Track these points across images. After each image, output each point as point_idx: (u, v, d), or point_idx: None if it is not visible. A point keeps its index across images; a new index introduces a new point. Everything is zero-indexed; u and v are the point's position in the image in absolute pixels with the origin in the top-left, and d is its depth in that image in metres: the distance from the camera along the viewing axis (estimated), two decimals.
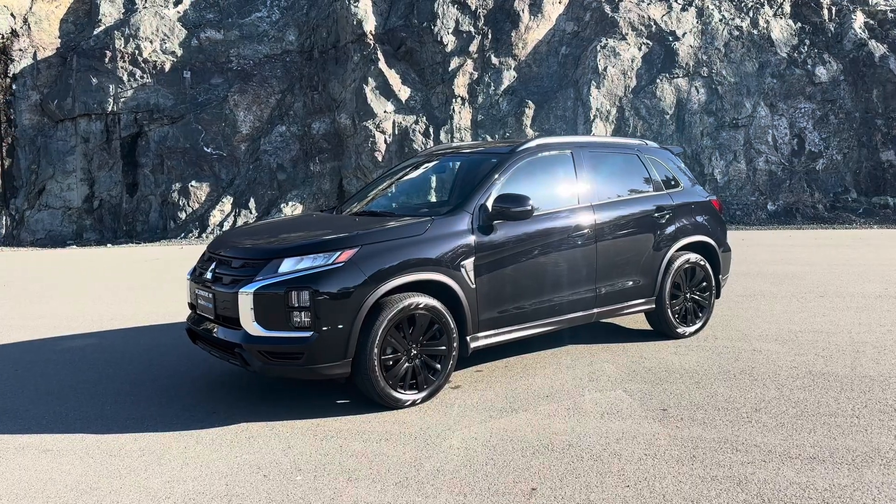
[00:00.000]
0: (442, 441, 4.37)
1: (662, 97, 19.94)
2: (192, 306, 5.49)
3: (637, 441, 4.28)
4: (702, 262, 6.70)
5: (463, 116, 19.42)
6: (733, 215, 19.08)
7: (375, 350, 4.76)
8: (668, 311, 6.49)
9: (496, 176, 5.52)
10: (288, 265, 4.72)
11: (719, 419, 4.60)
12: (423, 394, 5.02)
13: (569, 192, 5.95)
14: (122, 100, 20.44)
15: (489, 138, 19.19)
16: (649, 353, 6.20)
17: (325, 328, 4.62)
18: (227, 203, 19.51)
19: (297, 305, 4.62)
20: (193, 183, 19.82)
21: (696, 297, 6.73)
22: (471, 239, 5.21)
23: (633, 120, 19.92)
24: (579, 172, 6.01)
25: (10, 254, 18.40)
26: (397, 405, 4.91)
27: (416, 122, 19.30)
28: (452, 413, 4.84)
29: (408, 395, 4.95)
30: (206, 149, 20.13)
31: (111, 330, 7.93)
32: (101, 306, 9.53)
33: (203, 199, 19.55)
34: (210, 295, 5.08)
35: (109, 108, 20.45)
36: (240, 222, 19.22)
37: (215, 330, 5.04)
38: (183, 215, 19.57)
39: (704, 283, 6.77)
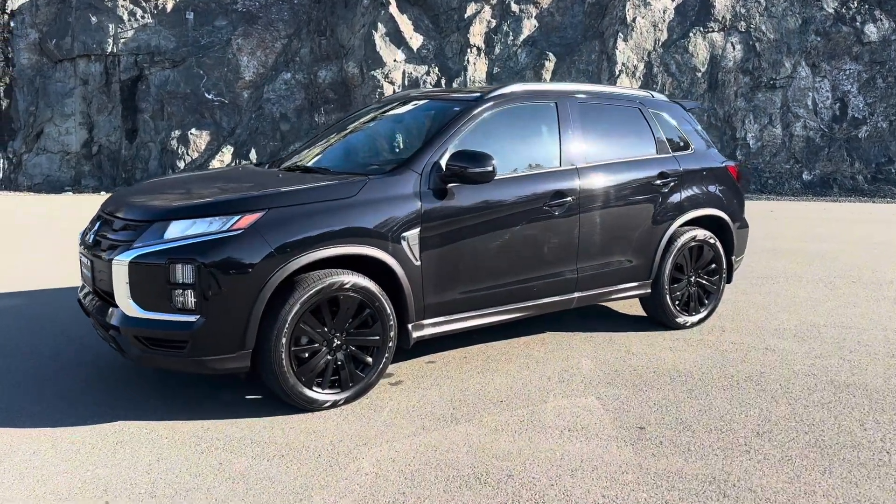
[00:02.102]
0: (350, 461, 3.43)
1: (695, 53, 18.48)
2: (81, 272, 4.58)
3: (597, 474, 3.31)
4: (711, 241, 5.63)
5: (478, 68, 18.17)
6: (765, 184, 17.74)
7: (283, 340, 3.81)
8: (667, 297, 5.44)
9: (456, 128, 4.48)
10: (176, 230, 3.76)
11: (709, 446, 3.61)
12: (348, 393, 4.08)
13: (549, 152, 4.89)
14: (122, 41, 19.50)
15: None
16: (639, 347, 5.18)
17: (214, 312, 3.68)
18: (227, 153, 18.61)
19: (179, 281, 3.67)
20: (193, 130, 18.94)
21: (703, 282, 5.67)
22: (416, 205, 4.21)
23: (662, 77, 18.51)
24: (564, 128, 4.94)
25: (2, 198, 17.76)
26: (312, 406, 3.98)
27: (428, 73, 18.10)
28: (378, 420, 3.90)
29: (326, 395, 4.02)
30: (207, 95, 19.18)
31: (39, 290, 7.09)
32: (65, 264, 8.71)
33: (203, 147, 18.68)
34: (89, 262, 4.16)
35: (109, 50, 19.54)
36: None
37: (94, 304, 4.13)
38: (182, 164, 18.74)
39: (713, 266, 5.70)
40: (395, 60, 18.29)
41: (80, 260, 4.37)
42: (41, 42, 20.10)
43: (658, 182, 5.29)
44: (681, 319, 5.55)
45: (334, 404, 4.04)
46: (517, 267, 4.66)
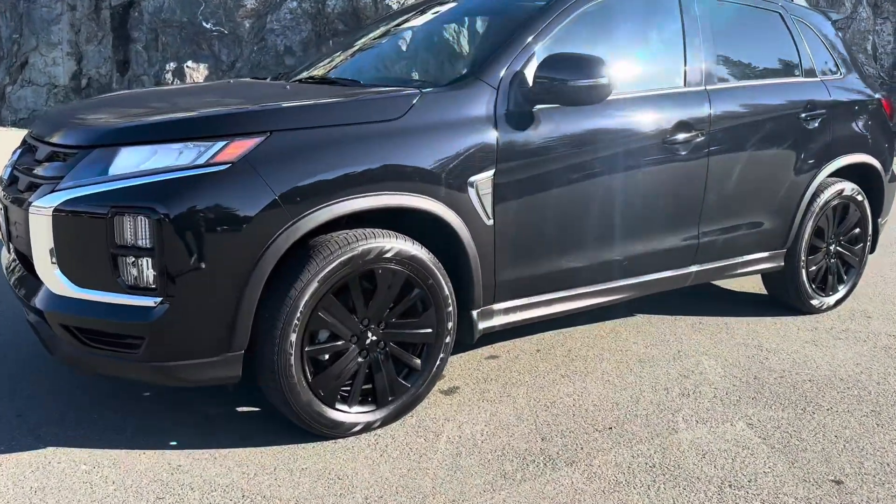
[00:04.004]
0: None
1: None
2: None
3: None
4: (858, 198, 4.22)
5: None
6: None
7: (293, 336, 2.47)
8: (803, 271, 4.07)
9: (544, 25, 3.04)
10: (125, 162, 2.38)
11: None
12: (386, 411, 2.75)
13: (669, 66, 3.46)
14: None
15: None
16: (769, 339, 3.83)
17: (184, 293, 2.32)
18: None
19: (129, 244, 2.30)
20: (190, 63, 17.31)
21: (843, 251, 4.29)
22: (491, 135, 2.81)
23: None
24: (690, 33, 3.49)
25: None
26: (335, 432, 2.66)
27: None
28: (434, 459, 2.58)
29: (356, 415, 2.69)
30: (205, 24, 17.49)
31: None
32: None
33: (200, 82, 17.07)
34: (2, 209, 2.78)
35: None
36: None
37: (17, 273, 2.77)
38: None
39: (858, 230, 4.31)
40: None
41: None
42: None
43: (804, 115, 3.86)
44: (816, 301, 4.18)
45: (367, 427, 2.72)
46: (623, 229, 3.28)
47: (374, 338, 2.68)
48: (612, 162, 3.12)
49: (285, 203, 2.39)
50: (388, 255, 2.60)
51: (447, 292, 2.78)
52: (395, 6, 16.29)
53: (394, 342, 2.74)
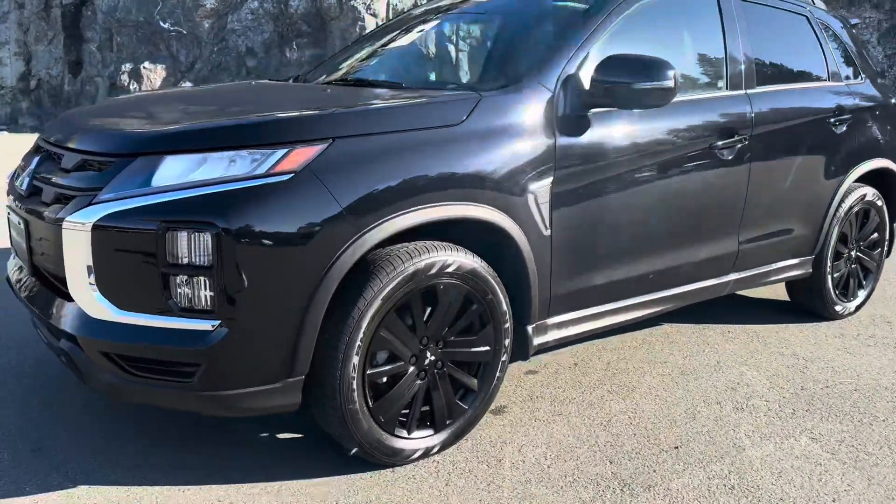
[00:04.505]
0: None
1: None
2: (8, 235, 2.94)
3: None
4: (878, 203, 4.22)
5: None
6: None
7: (356, 359, 2.28)
8: (829, 277, 4.03)
9: (595, 25, 2.91)
10: (172, 171, 2.16)
11: None
12: (444, 434, 2.58)
13: (711, 69, 3.38)
14: None
15: None
16: (802, 348, 3.77)
17: (246, 315, 2.11)
18: None
19: (184, 262, 2.09)
20: (147, 64, 16.77)
21: (863, 257, 4.27)
22: (549, 140, 2.67)
23: None
24: (730, 35, 3.41)
25: None
26: (394, 460, 2.48)
27: (416, 5, 16.21)
28: (504, 487, 2.42)
29: (415, 441, 2.52)
30: (162, 24, 16.97)
31: None
32: None
33: (158, 84, 16.55)
34: (21, 223, 2.52)
35: None
36: None
37: (32, 289, 2.52)
38: None
39: (876, 234, 4.30)
40: None
41: (9, 218, 2.71)
42: None
43: (832, 120, 3.82)
44: (839, 307, 4.15)
45: (426, 453, 2.54)
46: (673, 237, 3.18)
47: (433, 357, 2.51)
48: (664, 168, 3.01)
49: (351, 215, 2.20)
50: (450, 269, 2.43)
51: (505, 307, 2.63)
52: (360, 7, 16.08)
53: (451, 361, 2.57)
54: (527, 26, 3.27)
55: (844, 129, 3.86)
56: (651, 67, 2.65)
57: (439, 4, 3.75)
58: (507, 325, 2.65)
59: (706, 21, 3.37)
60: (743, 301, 4.52)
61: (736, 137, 3.27)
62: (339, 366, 2.26)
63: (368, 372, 2.35)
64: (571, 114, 2.73)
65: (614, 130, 2.85)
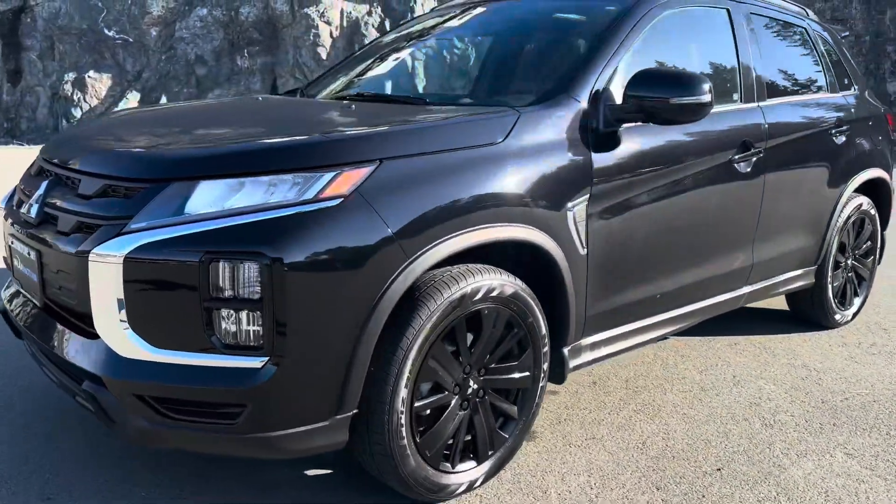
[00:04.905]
0: None
1: None
2: (7, 264, 2.72)
3: None
4: (872, 212, 4.29)
5: (426, 9, 16.27)
6: None
7: (404, 392, 2.15)
8: (830, 286, 4.07)
9: (622, 38, 2.85)
10: (208, 197, 2.00)
11: None
12: (487, 465, 2.48)
13: (726, 81, 3.36)
14: None
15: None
16: (810, 358, 3.78)
17: (297, 350, 1.97)
18: (132, 100, 15.99)
19: (228, 295, 1.93)
20: (91, 73, 16.20)
21: (858, 265, 4.33)
22: (585, 156, 2.60)
23: None
24: (741, 47, 3.40)
25: None
26: (439, 496, 2.35)
27: (370, 14, 16.06)
28: None
29: (459, 475, 2.40)
30: (107, 32, 16.42)
31: None
32: None
33: (103, 94, 16.00)
34: (31, 253, 2.31)
35: None
36: None
37: (36, 321, 2.32)
38: (78, 112, 16.00)
39: (869, 243, 4.37)
40: None
41: (11, 246, 2.49)
42: None
43: (834, 131, 3.86)
44: (838, 316, 4.20)
45: (470, 487, 2.43)
46: (699, 251, 3.15)
47: (475, 386, 2.40)
48: (691, 182, 2.98)
49: (402, 241, 2.08)
50: (495, 293, 2.33)
51: (544, 331, 2.54)
52: (314, 15, 15.86)
53: (492, 389, 2.46)
54: (554, 37, 3.19)
55: (844, 139, 3.91)
56: (687, 82, 2.59)
57: (449, 14, 3.64)
58: (546, 348, 2.56)
59: (719, 34, 3.35)
60: (742, 312, 4.53)
61: (752, 150, 3.26)
62: (388, 400, 2.13)
63: (416, 404, 2.23)
64: (604, 129, 2.66)
65: (643, 145, 2.79)
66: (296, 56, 16.14)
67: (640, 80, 2.63)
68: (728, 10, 3.40)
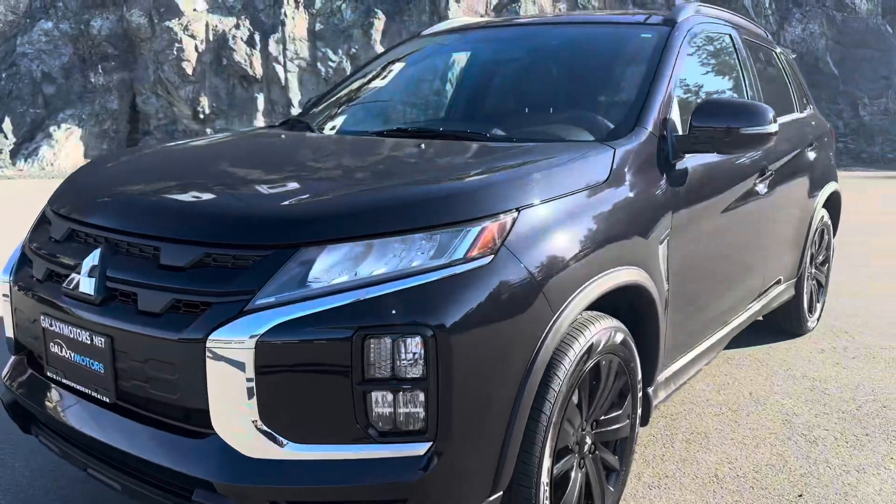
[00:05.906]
0: None
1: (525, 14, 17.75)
2: (20, 348, 2.24)
3: None
4: (829, 222, 4.55)
5: (297, 24, 15.73)
6: None
7: (548, 461, 1.97)
8: (805, 296, 4.27)
9: (672, 65, 2.81)
10: (332, 262, 1.72)
11: None
12: None
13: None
14: None
15: (331, 53, 15.74)
16: (801, 367, 3.93)
17: (462, 429, 1.73)
18: None
19: (387, 375, 1.66)
20: None
21: (818, 272, 4.58)
22: (665, 191, 2.52)
23: None
24: (744, 71, 3.48)
25: None
26: None
27: (238, 27, 15.32)
28: None
29: None
30: None
31: None
32: None
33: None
34: (96, 339, 1.89)
35: None
36: None
37: (107, 428, 1.91)
38: None
39: (825, 252, 4.63)
40: (194, 10, 15.20)
41: (49, 329, 2.03)
42: None
43: (809, 149, 4.05)
44: (810, 323, 4.41)
45: None
46: (738, 273, 3.21)
47: (590, 441, 2.25)
48: (737, 207, 3.01)
49: (549, 296, 1.90)
50: (612, 341, 2.19)
51: (639, 375, 2.43)
52: (177, 28, 14.93)
53: (600, 442, 2.32)
54: (599, 65, 3.06)
55: (815, 155, 4.11)
56: (753, 111, 2.58)
57: (448, 30, 3.44)
58: (640, 392, 2.46)
59: (727, 57, 3.40)
60: None
61: (769, 171, 3.33)
62: (535, 472, 1.94)
63: (554, 473, 2.04)
64: (674, 161, 2.60)
65: (703, 174, 2.76)
66: (157, 72, 15.10)
67: (707, 111, 2.59)
68: (731, 36, 3.45)
